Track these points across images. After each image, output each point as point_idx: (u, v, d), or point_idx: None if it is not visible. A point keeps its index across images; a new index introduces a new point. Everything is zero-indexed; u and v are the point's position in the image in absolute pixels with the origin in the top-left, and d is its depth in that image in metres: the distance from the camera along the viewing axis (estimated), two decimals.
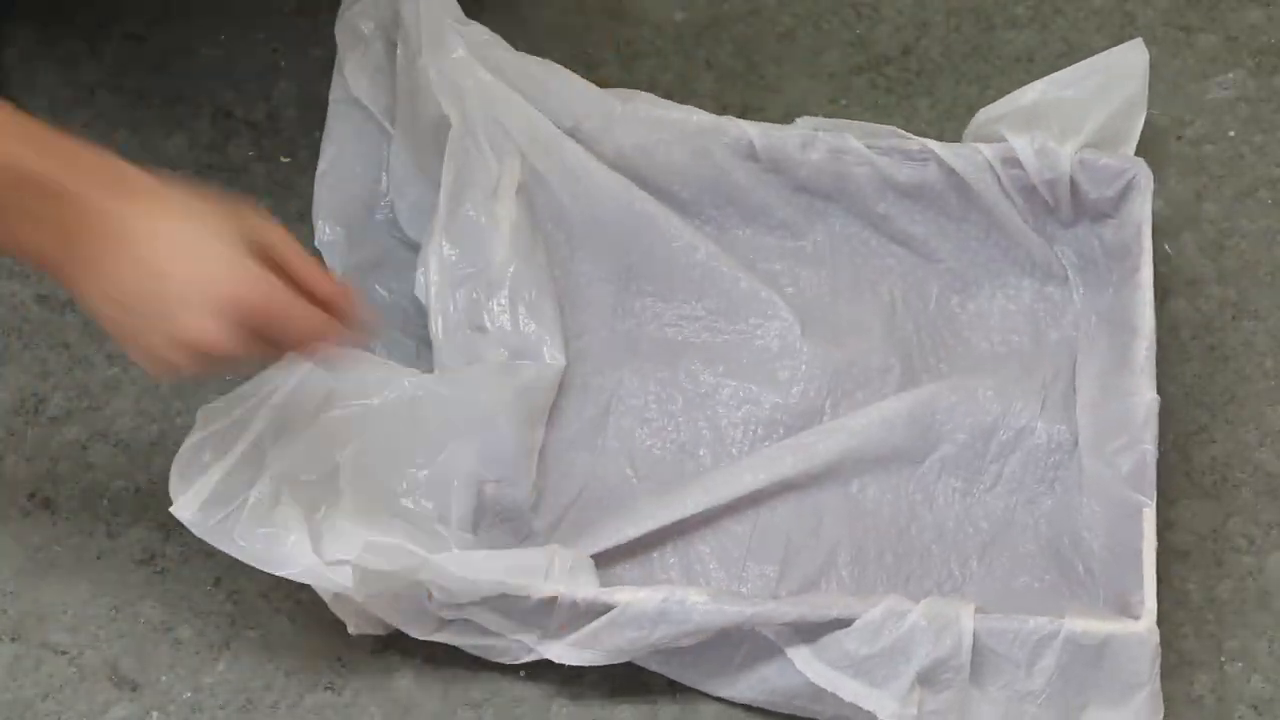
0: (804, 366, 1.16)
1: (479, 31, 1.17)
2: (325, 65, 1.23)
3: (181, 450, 1.03)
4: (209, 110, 1.25)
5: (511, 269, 1.13)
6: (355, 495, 1.04)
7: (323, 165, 1.18)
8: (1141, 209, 1.14)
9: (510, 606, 1.04)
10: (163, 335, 0.93)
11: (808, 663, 1.04)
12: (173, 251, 0.92)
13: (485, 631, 1.05)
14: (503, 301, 1.13)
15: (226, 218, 0.94)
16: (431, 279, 1.12)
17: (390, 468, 1.06)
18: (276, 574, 1.01)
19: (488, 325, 1.12)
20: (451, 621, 1.05)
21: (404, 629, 1.05)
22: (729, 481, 1.12)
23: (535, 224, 1.16)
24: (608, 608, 1.03)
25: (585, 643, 1.04)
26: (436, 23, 1.15)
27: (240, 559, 1.02)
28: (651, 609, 1.03)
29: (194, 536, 1.11)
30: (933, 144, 1.17)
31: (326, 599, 1.03)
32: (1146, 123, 1.19)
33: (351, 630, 1.06)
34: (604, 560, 1.09)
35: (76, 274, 0.93)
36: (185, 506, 1.01)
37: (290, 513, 1.02)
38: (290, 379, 1.05)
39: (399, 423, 1.06)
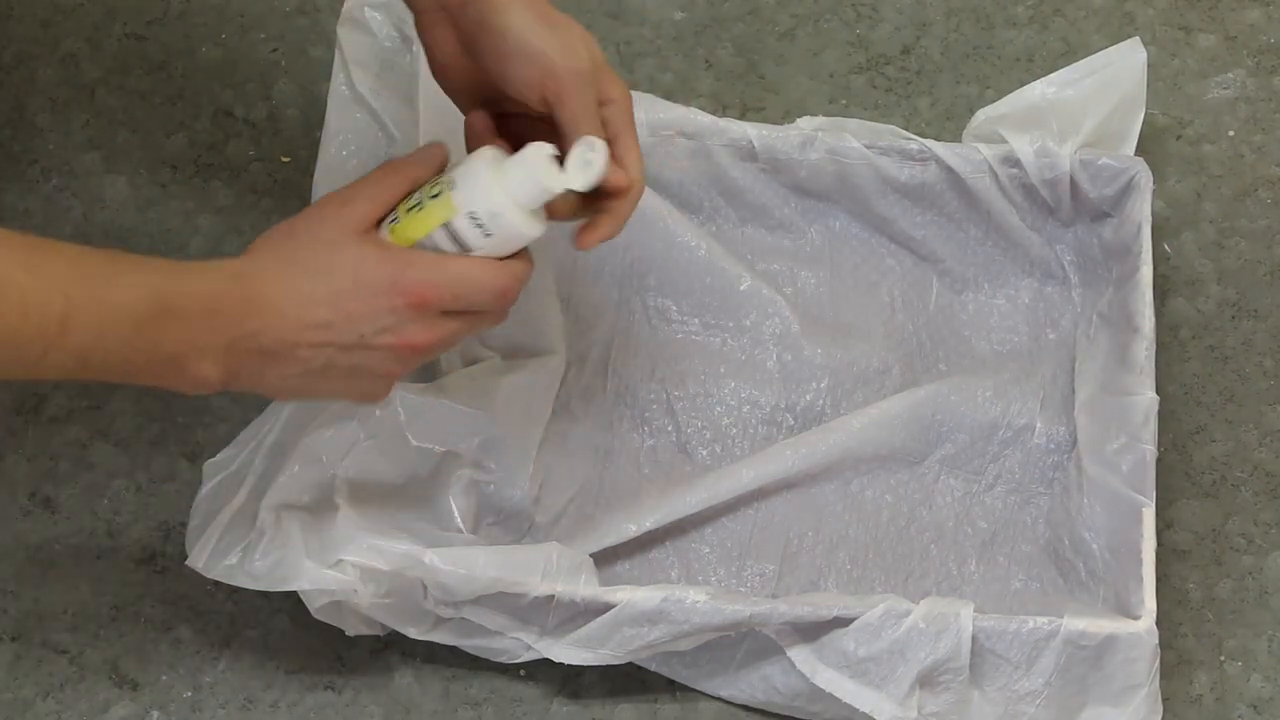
0: (804, 366, 1.16)
1: None
2: (325, 65, 1.23)
3: (195, 505, 1.04)
4: (209, 110, 1.25)
5: None
6: (351, 505, 1.04)
7: (322, 165, 1.18)
8: (1141, 208, 1.14)
9: (508, 604, 1.04)
10: (370, 376, 0.94)
11: (807, 663, 1.04)
12: (330, 309, 0.92)
13: (483, 630, 1.05)
14: None
15: (341, 230, 0.93)
16: None
17: (384, 476, 1.06)
18: (283, 590, 1.01)
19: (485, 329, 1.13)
20: (448, 620, 1.05)
21: (399, 629, 1.05)
22: (729, 481, 1.12)
23: None
24: (607, 606, 1.03)
25: (584, 642, 1.04)
26: None
27: (254, 589, 1.02)
28: (651, 608, 1.03)
29: None
30: (933, 144, 1.17)
31: (312, 609, 1.03)
32: (1146, 122, 1.19)
33: (349, 632, 1.06)
34: (603, 559, 1.09)
35: (251, 384, 0.93)
36: (199, 556, 1.02)
37: (291, 532, 1.02)
38: (282, 416, 1.06)
39: (388, 434, 1.06)
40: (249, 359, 0.91)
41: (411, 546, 1.02)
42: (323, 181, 1.18)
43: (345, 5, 1.19)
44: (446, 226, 0.94)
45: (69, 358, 0.86)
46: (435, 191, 0.94)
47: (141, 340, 0.88)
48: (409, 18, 1.17)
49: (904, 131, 1.18)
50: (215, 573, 1.02)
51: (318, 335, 0.92)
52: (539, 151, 0.93)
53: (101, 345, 0.87)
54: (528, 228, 0.94)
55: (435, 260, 0.94)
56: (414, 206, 0.95)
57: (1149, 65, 1.19)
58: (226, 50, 1.27)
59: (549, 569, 1.04)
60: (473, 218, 0.93)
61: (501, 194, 0.93)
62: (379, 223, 0.95)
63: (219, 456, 1.06)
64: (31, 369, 0.86)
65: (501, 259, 0.95)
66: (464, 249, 0.94)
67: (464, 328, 0.95)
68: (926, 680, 1.04)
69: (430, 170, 0.96)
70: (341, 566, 1.01)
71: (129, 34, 1.27)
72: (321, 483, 1.05)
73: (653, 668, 1.08)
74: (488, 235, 0.94)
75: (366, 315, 0.92)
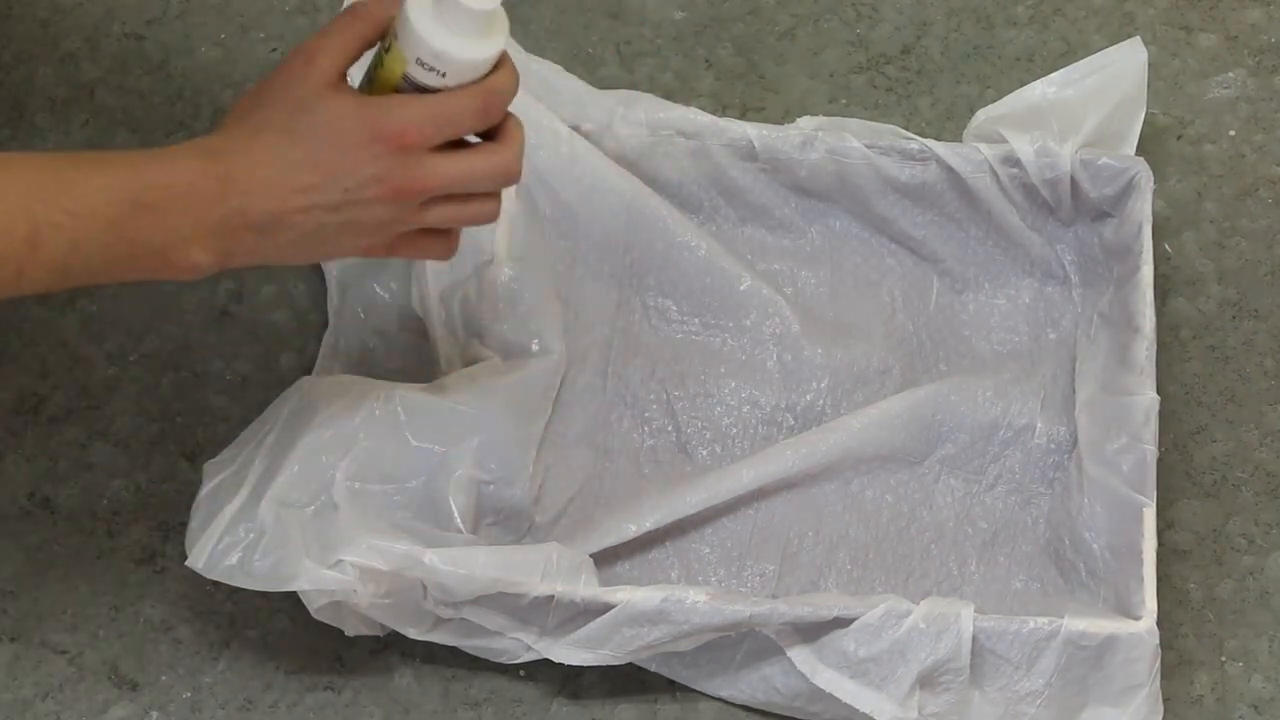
0: (804, 366, 1.16)
1: None
2: None
3: (195, 505, 1.04)
4: (209, 110, 1.25)
5: (508, 270, 1.13)
6: (351, 507, 1.04)
7: None
8: (1142, 208, 1.14)
9: (508, 605, 1.04)
10: (372, 228, 0.92)
11: (807, 663, 1.04)
12: (309, 171, 0.90)
13: (483, 630, 1.05)
14: (500, 304, 1.12)
15: (310, 87, 0.91)
16: (427, 288, 1.12)
17: (384, 476, 1.06)
18: (283, 590, 1.01)
19: (484, 329, 1.12)
20: (448, 620, 1.05)
21: (399, 629, 1.05)
22: (729, 481, 1.12)
23: (536, 222, 1.16)
24: (607, 606, 1.03)
25: (584, 642, 1.04)
26: None
27: (253, 589, 1.02)
28: (651, 608, 1.03)
29: None
30: (933, 144, 1.17)
31: (311, 609, 1.03)
32: (1147, 122, 1.19)
33: (349, 632, 1.06)
34: (603, 559, 1.09)
35: (252, 259, 0.92)
36: (198, 556, 1.02)
37: (290, 532, 1.02)
38: (282, 414, 1.06)
39: (388, 434, 1.06)
40: (239, 236, 0.90)
41: (411, 546, 1.02)
42: None
43: (345, 5, 1.19)
44: (405, 78, 0.92)
45: (47, 273, 0.85)
46: (387, 44, 0.93)
47: (120, 241, 0.86)
48: None
49: (904, 131, 1.18)
50: (215, 573, 1.02)
51: (302, 199, 0.90)
52: None
53: (79, 254, 0.85)
54: (480, 51, 0.92)
55: (408, 99, 0.92)
56: (378, 65, 0.93)
57: (1149, 65, 1.19)
58: (226, 50, 1.27)
59: (549, 569, 1.03)
60: (421, 63, 0.91)
61: (438, 30, 0.91)
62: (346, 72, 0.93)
63: (219, 457, 1.06)
64: (10, 289, 0.85)
65: (478, 80, 0.93)
66: (431, 92, 0.92)
67: (462, 168, 0.93)
68: (927, 681, 1.04)
69: (393, 9, 0.94)
70: (341, 567, 1.01)
71: (128, 33, 1.27)
72: (321, 483, 1.04)
73: (653, 668, 1.08)
74: (443, 75, 0.92)
75: (348, 170, 0.90)
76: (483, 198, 0.96)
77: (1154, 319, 1.11)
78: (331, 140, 0.90)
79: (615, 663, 1.05)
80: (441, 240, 0.98)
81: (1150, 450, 1.07)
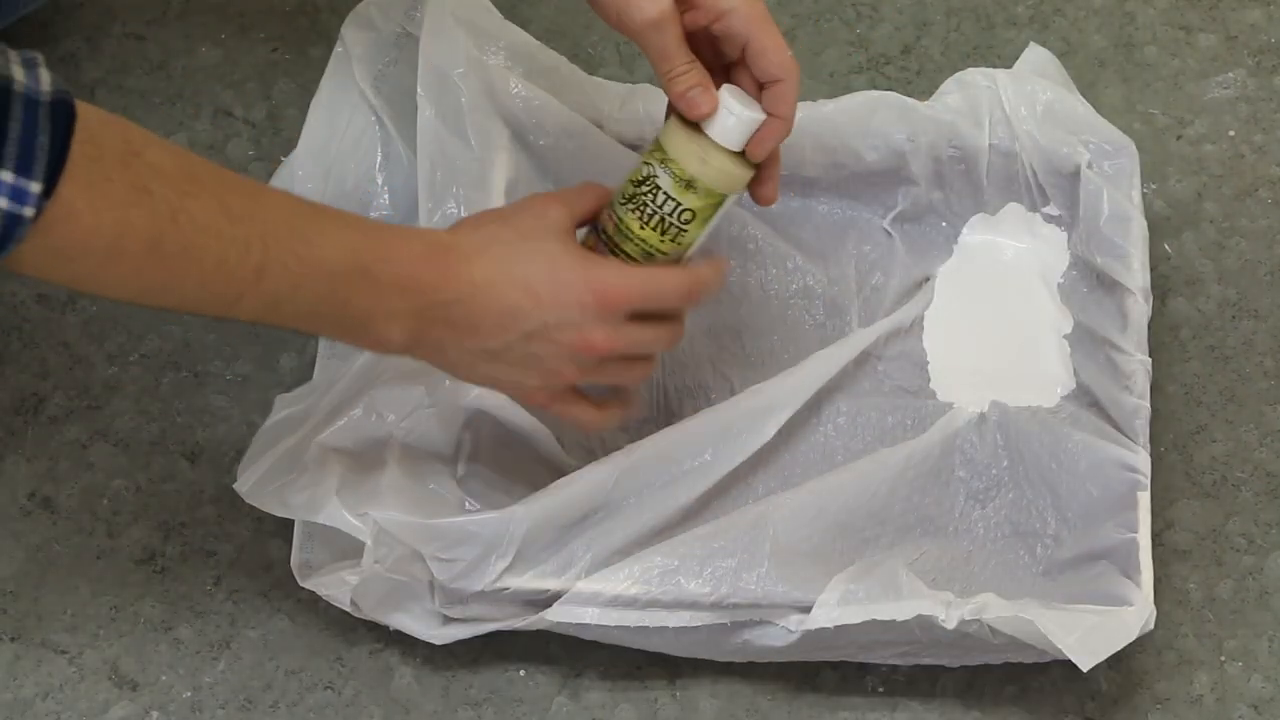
0: (805, 367, 1.16)
1: (497, 27, 1.17)
2: (325, 65, 1.23)
3: (256, 435, 1.06)
4: (209, 110, 1.25)
5: None
6: (402, 468, 1.05)
7: (305, 147, 1.16)
8: (1131, 190, 1.14)
9: (513, 596, 1.04)
10: (546, 370, 0.97)
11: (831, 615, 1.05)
12: (521, 292, 0.94)
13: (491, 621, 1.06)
14: None
15: (542, 224, 0.97)
16: None
17: (438, 445, 1.07)
18: (303, 519, 1.04)
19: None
20: (455, 605, 1.06)
21: (399, 609, 1.06)
22: (727, 480, 1.12)
23: None
24: (599, 596, 1.05)
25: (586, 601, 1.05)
26: (440, 14, 1.15)
27: (278, 515, 1.04)
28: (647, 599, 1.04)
29: (194, 536, 1.12)
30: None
31: (323, 594, 1.04)
32: (1147, 122, 1.19)
33: (354, 613, 1.06)
34: (601, 560, 1.09)
35: (431, 355, 0.97)
36: (245, 482, 1.04)
37: (331, 473, 1.04)
38: (356, 364, 1.07)
39: (450, 402, 1.08)
40: (434, 328, 0.94)
41: (430, 522, 1.03)
42: (300, 166, 1.16)
43: (360, 4, 1.18)
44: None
45: (261, 305, 0.90)
46: (644, 174, 0.99)
47: (334, 297, 0.91)
48: (414, 14, 1.17)
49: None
50: (255, 499, 1.04)
51: (505, 319, 0.95)
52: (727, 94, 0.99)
53: (294, 296, 0.90)
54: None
55: (623, 265, 0.98)
56: (627, 200, 1.00)
57: (1149, 65, 1.19)
58: (226, 50, 1.27)
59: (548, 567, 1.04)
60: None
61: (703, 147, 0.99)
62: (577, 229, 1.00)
63: (292, 392, 1.08)
64: (225, 310, 0.89)
65: (686, 263, 1.00)
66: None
67: (648, 337, 0.99)
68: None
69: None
70: (365, 519, 1.02)
71: (128, 34, 1.27)
72: (377, 437, 1.06)
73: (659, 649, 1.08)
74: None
75: (554, 306, 0.95)
76: (644, 361, 1.02)
77: (1147, 281, 1.12)
78: (550, 275, 0.95)
79: (609, 623, 1.05)
80: (597, 414, 1.02)
81: (1143, 406, 1.09)
